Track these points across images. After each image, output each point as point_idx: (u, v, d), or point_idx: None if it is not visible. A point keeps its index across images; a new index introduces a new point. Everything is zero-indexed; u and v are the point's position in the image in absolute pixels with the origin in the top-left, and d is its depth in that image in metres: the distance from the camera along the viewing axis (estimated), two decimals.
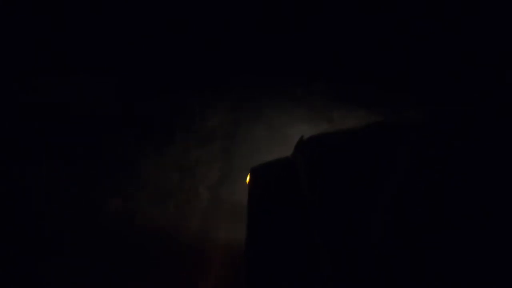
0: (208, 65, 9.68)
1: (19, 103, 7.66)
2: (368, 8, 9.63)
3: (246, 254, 1.85)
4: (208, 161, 5.50)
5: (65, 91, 8.23)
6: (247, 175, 2.48)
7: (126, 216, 4.15)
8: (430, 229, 1.29)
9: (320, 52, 9.77)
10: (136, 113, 7.46)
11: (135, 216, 4.15)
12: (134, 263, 3.38)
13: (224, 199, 4.14)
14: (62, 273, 3.40)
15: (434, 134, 1.97)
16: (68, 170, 5.17)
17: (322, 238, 1.48)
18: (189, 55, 10.01)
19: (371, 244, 1.31)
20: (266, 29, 10.22)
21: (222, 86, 8.80)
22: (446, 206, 1.38)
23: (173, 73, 9.44)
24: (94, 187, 4.73)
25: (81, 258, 3.58)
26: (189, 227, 3.80)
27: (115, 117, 7.19)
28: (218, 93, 8.44)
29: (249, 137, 6.45)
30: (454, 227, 1.29)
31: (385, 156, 1.79)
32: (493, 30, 7.39)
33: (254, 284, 1.68)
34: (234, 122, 7.32)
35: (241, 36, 10.29)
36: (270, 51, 9.96)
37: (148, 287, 3.20)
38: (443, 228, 1.29)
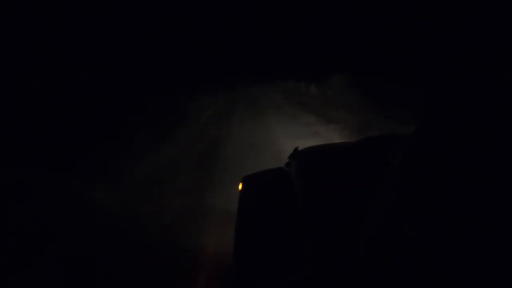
0: (208, 65, 9.69)
1: (19, 103, 7.67)
2: (368, 8, 9.64)
3: (236, 262, 1.83)
4: (199, 164, 5.47)
5: (65, 91, 8.24)
6: (238, 183, 2.46)
7: (124, 217, 4.14)
8: (427, 234, 1.30)
9: (320, 52, 9.78)
10: (135, 113, 7.46)
11: (133, 217, 4.14)
12: (125, 268, 3.35)
13: (212, 205, 4.07)
14: (61, 272, 3.41)
15: (429, 141, 1.99)
16: (68, 170, 5.17)
17: (314, 246, 1.48)
18: (189, 55, 10.02)
19: (364, 250, 1.31)
20: (266, 29, 10.23)
21: (222, 86, 8.81)
22: (442, 208, 1.39)
23: (173, 73, 9.45)
24: (94, 187, 4.73)
25: (80, 257, 3.58)
26: (174, 231, 3.72)
27: (115, 117, 7.19)
28: (217, 93, 8.44)
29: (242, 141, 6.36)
30: (452, 229, 1.30)
31: (378, 167, 1.82)
32: (493, 30, 7.39)
33: None
34: (228, 123, 7.20)
35: (241, 36, 10.30)
36: (270, 51, 9.96)
37: None
38: (439, 230, 1.30)
